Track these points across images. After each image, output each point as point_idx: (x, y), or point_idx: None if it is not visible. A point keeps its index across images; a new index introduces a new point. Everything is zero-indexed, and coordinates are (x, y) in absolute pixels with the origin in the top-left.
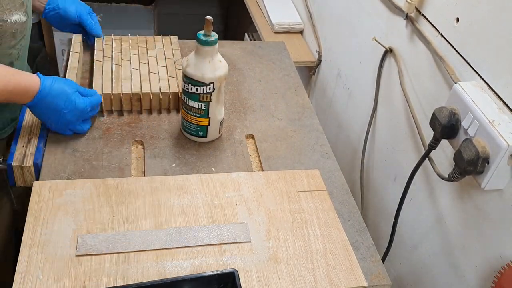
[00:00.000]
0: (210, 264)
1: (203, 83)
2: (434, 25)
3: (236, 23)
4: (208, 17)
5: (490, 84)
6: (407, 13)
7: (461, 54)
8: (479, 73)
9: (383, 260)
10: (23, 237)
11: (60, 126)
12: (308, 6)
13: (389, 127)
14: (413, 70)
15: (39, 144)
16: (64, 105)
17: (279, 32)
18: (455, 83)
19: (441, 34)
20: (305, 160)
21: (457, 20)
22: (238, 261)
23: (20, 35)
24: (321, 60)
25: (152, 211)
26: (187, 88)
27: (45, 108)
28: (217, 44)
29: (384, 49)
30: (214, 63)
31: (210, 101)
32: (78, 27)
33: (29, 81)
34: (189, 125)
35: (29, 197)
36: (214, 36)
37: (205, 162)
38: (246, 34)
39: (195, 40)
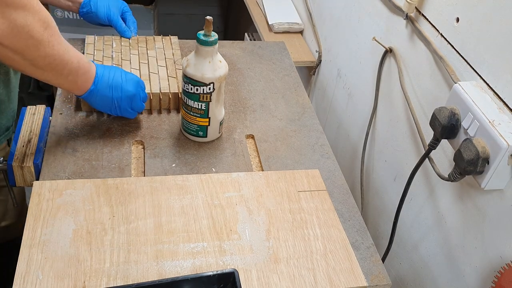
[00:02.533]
0: (210, 264)
1: (203, 83)
2: (434, 25)
3: (236, 23)
4: (208, 17)
5: (490, 84)
6: (407, 13)
7: (461, 54)
8: (479, 73)
9: (383, 260)
10: (23, 237)
11: (124, 103)
12: (308, 6)
13: (389, 127)
14: (413, 70)
15: (39, 144)
16: (122, 78)
17: (279, 32)
18: (455, 83)
19: (441, 34)
20: (305, 160)
21: (457, 20)
22: (238, 261)
23: None
24: (321, 60)
25: (152, 211)
26: (187, 88)
27: (106, 87)
28: (217, 44)
29: (384, 49)
30: (214, 63)
31: (210, 101)
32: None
33: (87, 61)
34: (189, 125)
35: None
36: (214, 36)
37: (205, 162)
38: (246, 34)
39: (195, 40)
